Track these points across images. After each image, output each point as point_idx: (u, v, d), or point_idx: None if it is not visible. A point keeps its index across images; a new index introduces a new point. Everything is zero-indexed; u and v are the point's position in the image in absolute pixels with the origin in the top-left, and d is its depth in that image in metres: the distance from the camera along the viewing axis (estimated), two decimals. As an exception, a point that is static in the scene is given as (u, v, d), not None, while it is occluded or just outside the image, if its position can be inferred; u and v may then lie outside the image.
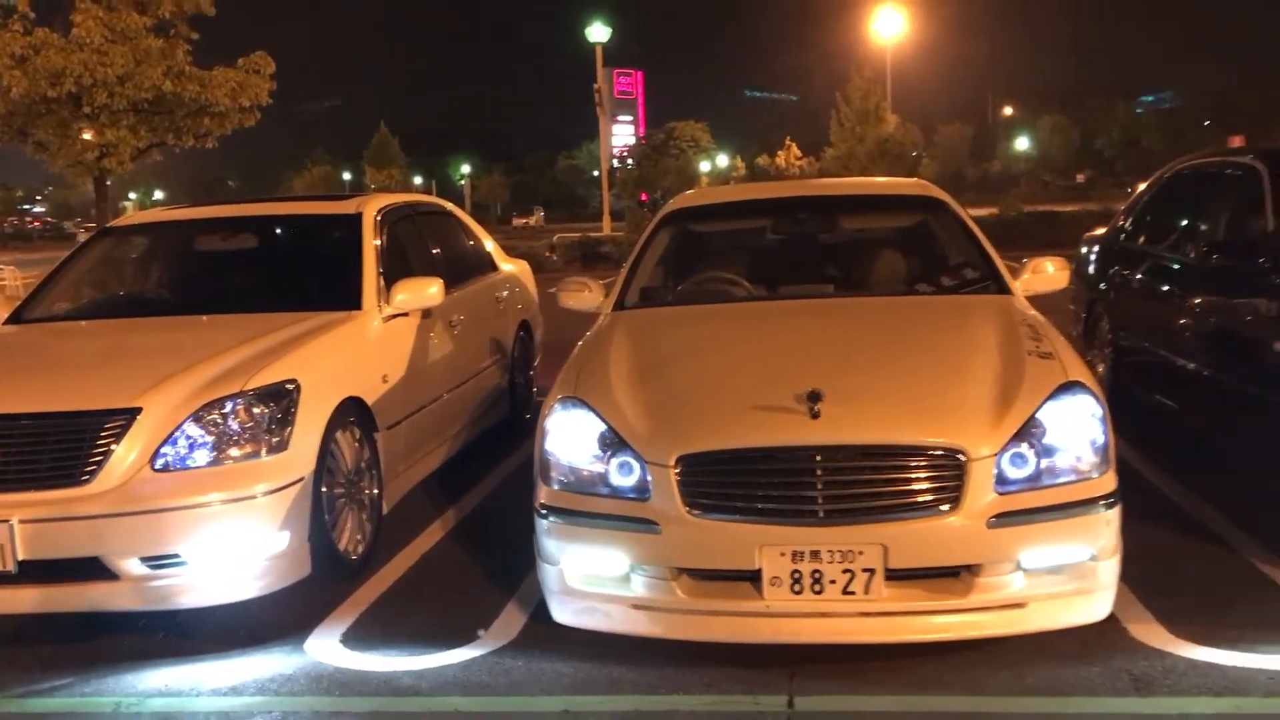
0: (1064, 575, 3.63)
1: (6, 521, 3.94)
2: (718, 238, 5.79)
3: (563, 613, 3.88)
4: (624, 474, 3.73)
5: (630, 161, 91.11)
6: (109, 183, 18.59)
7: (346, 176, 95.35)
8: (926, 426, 3.64)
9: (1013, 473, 3.61)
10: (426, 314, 5.85)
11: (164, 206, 5.84)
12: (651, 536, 3.64)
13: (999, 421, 3.65)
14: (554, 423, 3.97)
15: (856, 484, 3.57)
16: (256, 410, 4.31)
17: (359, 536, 4.86)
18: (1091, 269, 7.62)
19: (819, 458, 3.58)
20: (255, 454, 4.25)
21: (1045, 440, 3.67)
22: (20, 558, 3.97)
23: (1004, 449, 3.60)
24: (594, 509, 3.75)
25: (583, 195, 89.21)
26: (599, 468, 3.79)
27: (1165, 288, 6.16)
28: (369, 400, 4.97)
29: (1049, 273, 5.15)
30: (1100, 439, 3.74)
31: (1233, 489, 5.27)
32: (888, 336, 4.43)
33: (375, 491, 5.03)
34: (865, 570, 3.54)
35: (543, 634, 3.96)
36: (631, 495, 3.71)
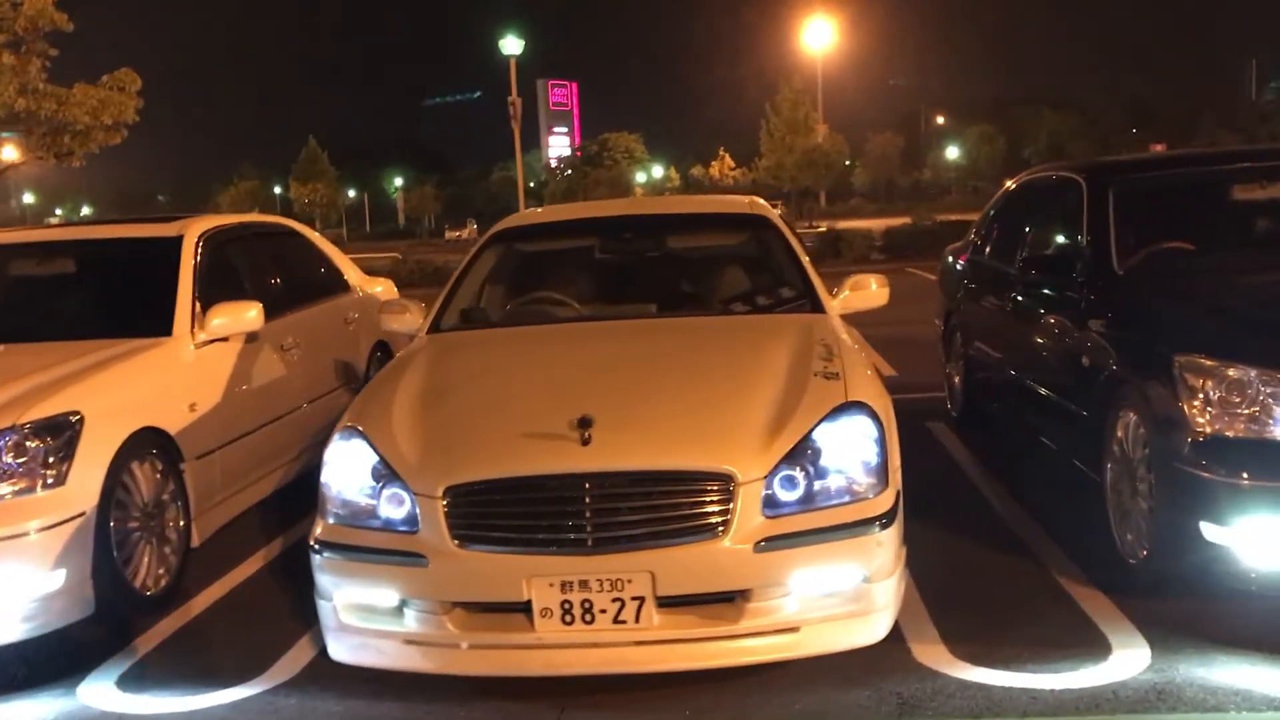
0: (837, 598, 3.59)
1: None
2: (546, 258, 5.71)
3: (338, 649, 3.77)
4: (394, 506, 3.64)
5: (568, 172, 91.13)
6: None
7: (277, 190, 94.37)
8: (694, 451, 3.59)
9: (783, 495, 3.57)
10: (252, 339, 5.71)
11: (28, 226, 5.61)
12: (420, 570, 3.55)
13: (769, 444, 3.61)
14: (331, 454, 3.88)
15: (625, 511, 3.50)
16: (32, 444, 4.16)
17: (161, 571, 4.72)
18: (949, 281, 7.66)
19: (587, 485, 3.51)
20: (30, 489, 4.11)
21: (819, 462, 3.64)
22: None
23: (773, 472, 3.56)
24: (364, 543, 3.65)
25: (516, 208, 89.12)
26: (370, 500, 3.70)
27: (997, 301, 6.19)
28: (171, 430, 4.83)
29: (870, 290, 5.14)
30: (875, 459, 3.71)
31: (1056, 502, 5.29)
32: (682, 359, 4.37)
33: (181, 524, 4.89)
34: (635, 599, 3.48)
35: (326, 671, 3.85)
36: (402, 528, 3.62)
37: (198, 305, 5.40)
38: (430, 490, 3.58)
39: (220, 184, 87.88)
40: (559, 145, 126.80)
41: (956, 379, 7.29)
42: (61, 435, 4.23)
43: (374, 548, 3.62)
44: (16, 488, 4.08)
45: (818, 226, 29.15)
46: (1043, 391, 5.37)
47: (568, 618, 3.49)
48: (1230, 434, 3.81)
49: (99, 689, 3.89)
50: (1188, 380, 3.93)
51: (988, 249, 6.89)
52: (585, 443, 3.57)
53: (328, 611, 3.74)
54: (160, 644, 4.28)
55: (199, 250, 5.67)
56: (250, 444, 5.56)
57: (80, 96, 16.40)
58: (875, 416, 3.82)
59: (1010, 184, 7.04)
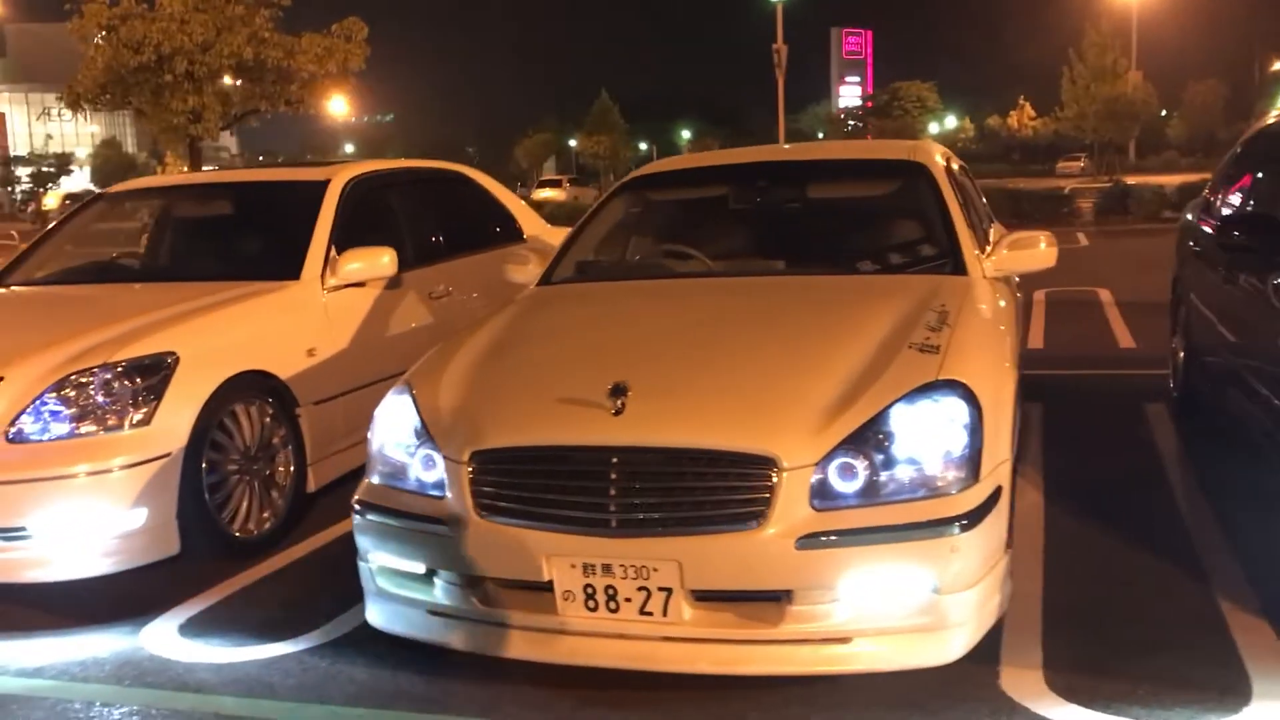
0: (899, 609, 3.09)
1: None
2: (676, 208, 5.32)
3: (372, 614, 3.61)
4: (426, 469, 3.43)
5: (854, 124, 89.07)
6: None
7: (572, 143, 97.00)
8: (735, 429, 3.15)
9: (839, 485, 3.09)
10: (394, 285, 5.65)
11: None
12: (443, 539, 3.31)
13: (827, 426, 3.13)
14: (381, 410, 3.70)
15: (654, 491, 3.13)
16: (122, 383, 4.21)
17: (266, 514, 4.73)
18: (1181, 242, 6.69)
19: (615, 460, 3.16)
20: (117, 427, 4.16)
21: (889, 449, 3.13)
22: (-120, 523, 4.01)
23: (827, 458, 3.08)
24: (396, 505, 3.45)
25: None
26: (407, 461, 3.49)
27: (1212, 266, 5.28)
28: (283, 375, 4.81)
29: (1035, 249, 4.48)
30: (962, 449, 3.16)
31: (1256, 511, 4.44)
32: (770, 323, 3.90)
33: (293, 469, 4.88)
34: (662, 589, 3.11)
35: (366, 636, 3.67)
36: (432, 493, 3.39)
37: (333, 250, 5.36)
38: (457, 454, 3.33)
39: (520, 136, 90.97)
40: (850, 95, 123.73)
41: (1180, 355, 6.37)
42: (154, 375, 4.27)
43: (404, 511, 3.42)
44: (104, 425, 4.14)
45: (1107, 180, 26.92)
46: (1253, 376, 4.51)
47: (591, 604, 3.17)
48: None
49: (162, 631, 3.90)
50: None
51: (1216, 207, 5.92)
52: (618, 412, 3.21)
53: (366, 574, 3.58)
54: (236, 591, 4.26)
55: (344, 196, 5.63)
56: (382, 391, 5.50)
57: (306, 45, 17.18)
58: (970, 399, 3.25)
59: (1250, 132, 6.00)
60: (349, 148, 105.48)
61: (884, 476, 3.12)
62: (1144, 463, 5.40)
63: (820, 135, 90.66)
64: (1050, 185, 31.94)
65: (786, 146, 6.31)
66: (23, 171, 65.19)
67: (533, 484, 3.24)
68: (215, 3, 16.28)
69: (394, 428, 3.57)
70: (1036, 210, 23.11)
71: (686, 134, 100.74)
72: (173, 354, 4.34)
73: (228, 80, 16.92)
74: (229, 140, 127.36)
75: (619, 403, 3.23)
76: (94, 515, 4.06)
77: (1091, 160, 57.93)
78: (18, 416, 4.07)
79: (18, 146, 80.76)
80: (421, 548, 3.38)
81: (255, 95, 17.81)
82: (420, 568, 3.41)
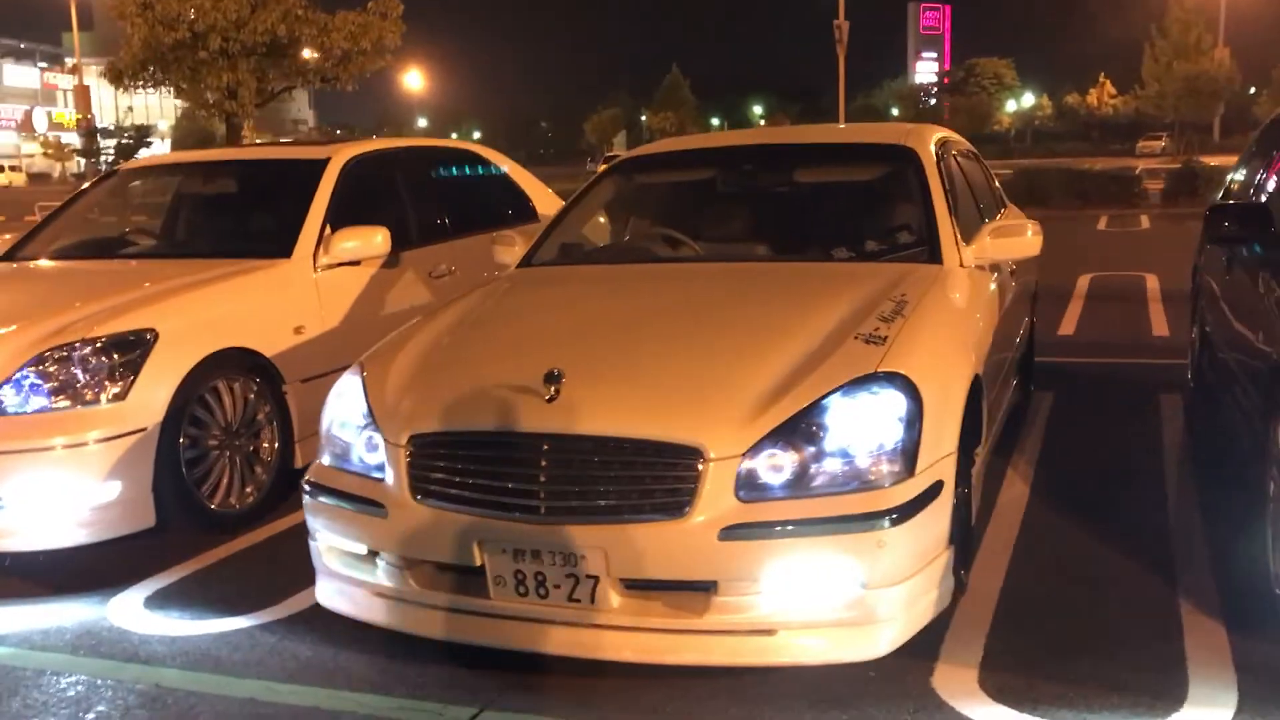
0: (824, 602, 3.05)
1: None
2: (663, 192, 5.28)
3: (321, 592, 3.65)
4: (370, 451, 3.46)
5: (930, 100, 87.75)
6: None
7: (645, 118, 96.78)
8: (662, 418, 3.13)
9: (767, 477, 3.06)
10: (392, 264, 5.70)
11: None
12: (381, 520, 3.35)
13: (757, 417, 3.09)
14: (333, 392, 3.74)
15: (582, 479, 3.13)
16: (100, 358, 4.30)
17: (249, 490, 4.81)
18: (1203, 228, 6.48)
19: (545, 447, 3.16)
20: (94, 402, 4.25)
21: (820, 441, 3.09)
22: None
23: (754, 449, 3.05)
24: (341, 486, 3.49)
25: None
26: (353, 442, 3.52)
27: (1218, 257, 5.11)
28: (268, 352, 4.88)
29: (1017, 237, 4.40)
30: (897, 442, 3.12)
31: (1238, 510, 4.31)
32: (726, 310, 3.86)
33: (277, 445, 4.95)
34: (589, 577, 3.12)
35: (318, 614, 3.72)
36: (375, 475, 3.42)
37: (328, 229, 5.41)
38: (397, 438, 3.36)
39: (590, 112, 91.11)
40: (926, 71, 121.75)
41: (1195, 345, 6.20)
42: (132, 351, 4.35)
43: (348, 493, 3.45)
44: (82, 399, 4.24)
45: (1181, 161, 26.16)
46: (1234, 371, 4.38)
47: (522, 589, 3.18)
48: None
49: (128, 603, 3.99)
50: None
51: (1234, 193, 5.74)
52: (551, 399, 3.21)
53: (315, 554, 3.63)
54: (209, 565, 4.34)
55: (343, 174, 5.68)
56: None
57: (339, 23, 17.30)
58: (911, 391, 3.19)
59: (1271, 118, 5.79)
60: (422, 121, 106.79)
61: (814, 469, 3.08)
62: (1143, 457, 5.26)
63: (895, 112, 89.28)
64: (1125, 165, 31.24)
65: (781, 129, 6.23)
66: (108, 143, 66.65)
67: (466, 469, 3.25)
68: None
69: (343, 409, 3.61)
70: (1099, 191, 22.61)
71: (758, 109, 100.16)
72: (152, 330, 4.42)
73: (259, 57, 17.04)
74: (308, 112, 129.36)
75: (553, 389, 3.22)
76: (69, 487, 4.16)
77: (1173, 139, 56.37)
78: (-2, 389, 4.18)
79: (104, 119, 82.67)
80: (363, 529, 3.41)
81: (291, 71, 18.03)
82: (363, 549, 3.45)
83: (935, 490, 3.20)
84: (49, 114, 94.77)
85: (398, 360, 3.72)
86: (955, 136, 5.57)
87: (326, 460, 3.61)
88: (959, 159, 5.34)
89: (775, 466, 3.06)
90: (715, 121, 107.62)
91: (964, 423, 3.50)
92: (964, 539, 3.68)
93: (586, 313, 4.00)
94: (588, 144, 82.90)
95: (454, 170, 6.85)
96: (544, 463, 3.15)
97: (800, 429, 3.09)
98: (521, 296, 4.38)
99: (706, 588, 3.08)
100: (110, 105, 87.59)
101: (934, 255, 4.24)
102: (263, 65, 17.25)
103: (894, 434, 3.14)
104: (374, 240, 5.38)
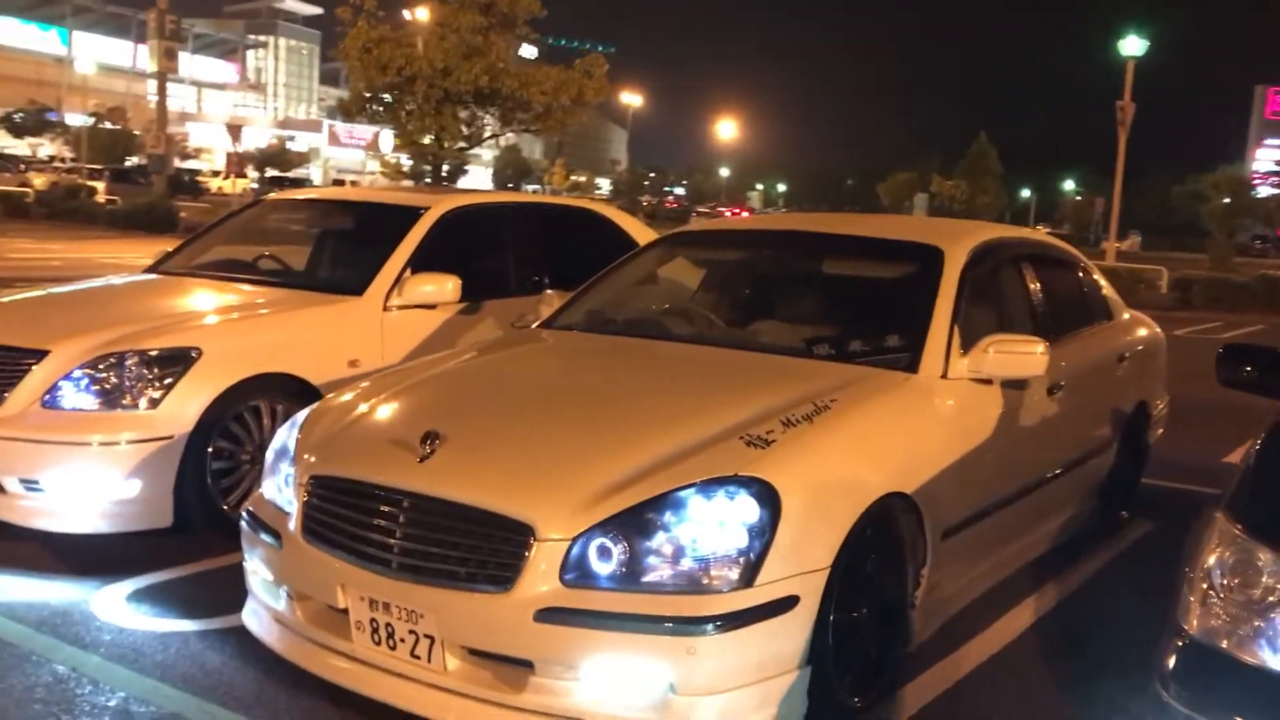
0: (635, 702, 3.03)
1: (-72, 425, 4.77)
2: (693, 269, 5.29)
3: (244, 611, 3.91)
4: (285, 486, 3.70)
5: (1257, 192, 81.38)
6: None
7: (932, 186, 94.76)
8: (504, 492, 3.21)
9: (595, 565, 3.07)
10: (473, 311, 5.99)
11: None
12: (277, 552, 3.59)
13: (597, 503, 3.11)
14: (280, 429, 4.01)
15: (430, 540, 3.25)
16: (145, 369, 4.77)
17: (275, 504, 5.17)
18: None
19: (405, 504, 3.30)
20: (131, 407, 4.73)
21: (654, 535, 3.07)
22: (-62, 459, 4.78)
23: (585, 535, 3.07)
24: (261, 515, 3.75)
25: (1195, 224, 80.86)
26: (277, 475, 3.78)
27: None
28: (314, 380, 5.24)
29: (1022, 355, 4.12)
30: (737, 550, 3.06)
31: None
32: (647, 395, 3.87)
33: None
34: (426, 636, 3.23)
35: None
36: (286, 509, 3.66)
37: (408, 272, 5.76)
38: (301, 476, 3.59)
39: (893, 171, 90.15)
40: (1266, 159, 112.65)
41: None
42: (174, 365, 4.81)
43: (263, 522, 3.70)
44: (121, 403, 4.72)
45: None
46: None
47: (376, 637, 3.33)
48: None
49: (114, 593, 4.39)
50: None
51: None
52: (423, 459, 3.36)
53: (246, 574, 3.89)
54: (207, 569, 4.69)
55: (438, 223, 6.02)
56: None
57: (540, 77, 17.96)
58: (768, 500, 3.12)
59: None
60: (724, 171, 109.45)
61: (645, 563, 3.06)
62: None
63: (1225, 200, 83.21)
64: None
65: (824, 217, 6.07)
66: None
67: (343, 514, 3.43)
68: (460, 32, 17.56)
69: (278, 443, 3.88)
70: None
71: (1069, 184, 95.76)
72: (196, 349, 4.87)
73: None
74: (623, 153, 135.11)
75: (427, 449, 3.36)
76: (98, 480, 4.64)
77: None
78: (54, 386, 4.73)
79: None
80: (268, 558, 3.65)
81: (492, 120, 19.02)
82: (270, 576, 3.68)
83: (782, 605, 3.10)
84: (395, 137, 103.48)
85: (339, 404, 3.95)
86: (1038, 240, 5.29)
87: (262, 489, 3.88)
88: (1028, 266, 5.07)
89: (604, 554, 3.06)
90: (1025, 193, 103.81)
91: (872, 540, 3.40)
92: (856, 665, 3.51)
93: (515, 379, 4.12)
94: (881, 206, 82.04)
95: (563, 227, 7.08)
96: (402, 519, 3.29)
97: (638, 521, 3.08)
98: (485, 356, 4.52)
99: (527, 665, 3.12)
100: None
101: (912, 363, 4.06)
102: (473, 111, 18.36)
103: (737, 541, 3.07)
104: (445, 287, 5.68)
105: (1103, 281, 6.02)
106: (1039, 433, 4.61)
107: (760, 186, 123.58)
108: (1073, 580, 5.03)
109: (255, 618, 3.80)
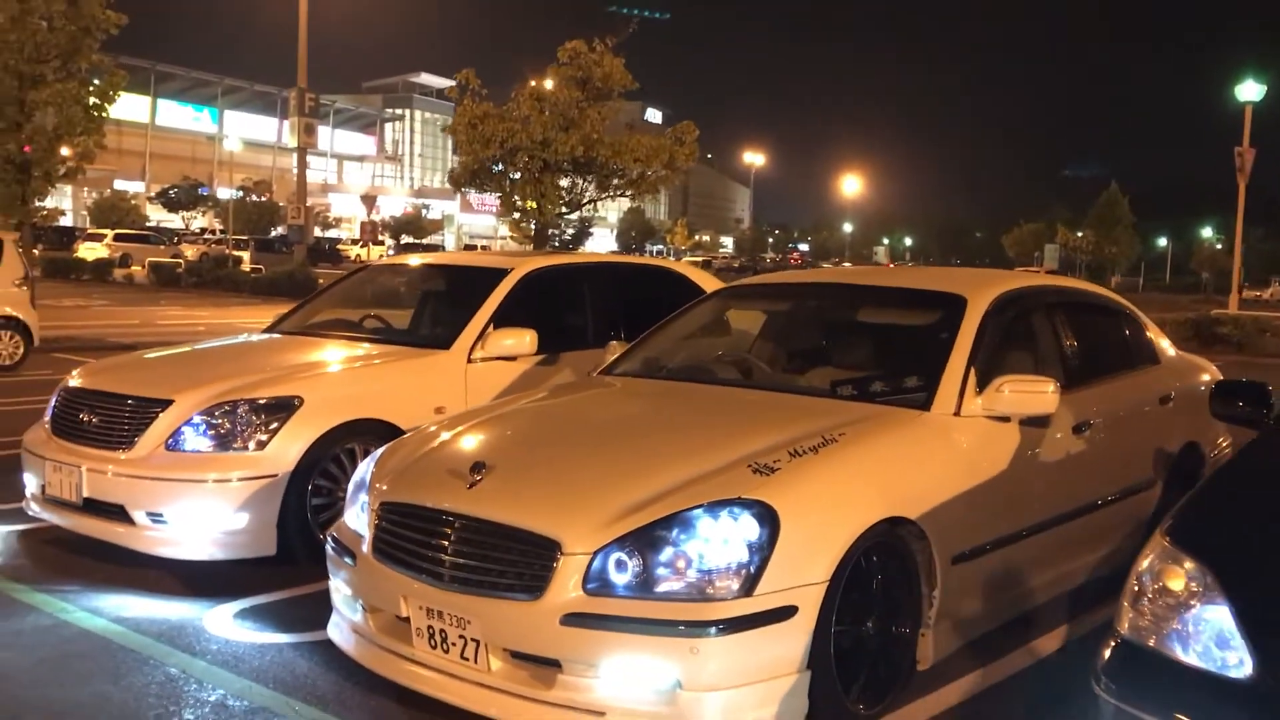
0: (647, 696, 3.46)
1: (78, 467, 5.49)
2: (740, 319, 5.72)
3: (330, 625, 4.44)
4: (362, 512, 4.24)
5: None
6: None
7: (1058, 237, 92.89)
8: (536, 513, 3.68)
9: (613, 576, 3.52)
10: (551, 362, 6.52)
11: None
12: (352, 570, 4.12)
13: (615, 522, 3.57)
14: (364, 460, 4.56)
15: (475, 555, 3.73)
16: (253, 415, 5.42)
17: (370, 537, 5.75)
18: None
19: (455, 524, 3.80)
20: (242, 448, 5.37)
21: (665, 551, 3.51)
22: (85, 495, 5.49)
23: (604, 550, 3.53)
24: (341, 537, 4.29)
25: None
26: (356, 503, 4.32)
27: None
28: (403, 425, 5.79)
29: (1033, 394, 4.41)
30: (739, 563, 3.48)
31: None
32: (679, 430, 4.33)
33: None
34: (473, 640, 3.70)
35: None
36: (361, 532, 4.20)
37: (491, 327, 6.33)
38: (373, 503, 4.13)
39: (1012, 225, 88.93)
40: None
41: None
42: (280, 412, 5.44)
43: (342, 543, 4.25)
44: (233, 446, 5.37)
45: None
46: None
47: (433, 642, 3.82)
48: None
49: (220, 614, 4.98)
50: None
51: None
52: (471, 486, 3.86)
53: (331, 593, 4.43)
54: (301, 593, 5.25)
55: (520, 283, 6.59)
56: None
57: (632, 145, 18.67)
58: (768, 520, 3.53)
59: None
60: (847, 226, 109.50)
61: (656, 574, 3.50)
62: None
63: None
64: None
65: (858, 270, 6.44)
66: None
67: (405, 535, 3.95)
68: (559, 105, 18.43)
69: (358, 476, 4.43)
70: None
71: (1208, 232, 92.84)
72: (299, 397, 5.50)
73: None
74: (746, 212, 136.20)
75: (476, 477, 3.87)
76: (212, 513, 5.28)
77: None
78: (177, 431, 5.40)
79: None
80: (346, 575, 4.19)
81: (589, 188, 19.82)
82: (349, 592, 4.22)
83: (781, 614, 3.49)
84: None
85: (411, 441, 4.50)
86: (1073, 288, 5.57)
87: (345, 517, 4.43)
88: (1059, 313, 5.36)
89: (621, 566, 3.51)
90: (1163, 242, 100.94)
91: (876, 560, 3.82)
92: (863, 675, 3.85)
93: (562, 418, 4.61)
94: (1007, 258, 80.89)
95: (642, 284, 7.58)
96: (453, 537, 3.79)
97: (651, 537, 3.52)
98: (540, 399, 5.02)
99: (555, 664, 3.57)
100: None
101: (926, 401, 4.41)
102: (572, 179, 19.20)
103: (739, 555, 3.48)
104: (524, 340, 6.23)
105: (1150, 327, 6.23)
106: (1063, 469, 4.88)
107: (886, 241, 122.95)
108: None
109: (337, 629, 4.33)
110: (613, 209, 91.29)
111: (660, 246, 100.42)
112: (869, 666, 3.90)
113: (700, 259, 68.14)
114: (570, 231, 59.14)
